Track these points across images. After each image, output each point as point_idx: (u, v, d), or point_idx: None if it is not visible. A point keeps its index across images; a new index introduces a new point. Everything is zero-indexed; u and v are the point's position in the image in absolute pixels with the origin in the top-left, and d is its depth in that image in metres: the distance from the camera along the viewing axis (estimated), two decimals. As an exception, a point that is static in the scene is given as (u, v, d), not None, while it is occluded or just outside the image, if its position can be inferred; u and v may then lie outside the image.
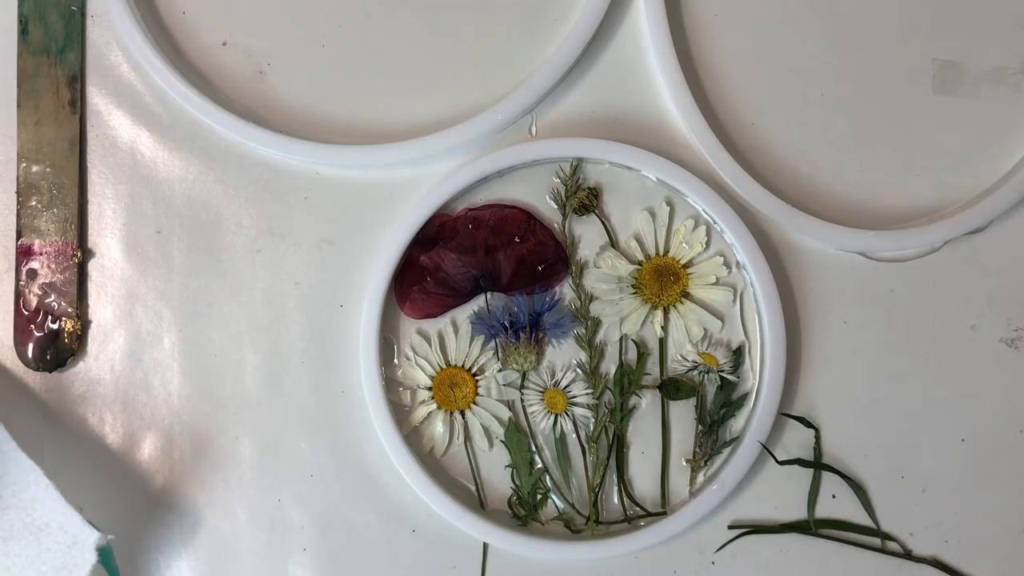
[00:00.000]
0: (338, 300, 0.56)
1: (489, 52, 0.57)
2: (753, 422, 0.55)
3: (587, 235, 0.56)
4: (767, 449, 0.55)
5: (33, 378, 0.56)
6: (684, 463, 0.56)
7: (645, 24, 0.56)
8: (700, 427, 0.56)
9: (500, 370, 0.56)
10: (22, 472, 0.51)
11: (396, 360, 0.56)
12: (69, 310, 0.56)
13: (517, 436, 0.56)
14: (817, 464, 0.56)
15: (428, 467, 0.55)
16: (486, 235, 0.55)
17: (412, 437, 0.56)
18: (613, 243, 0.56)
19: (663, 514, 0.56)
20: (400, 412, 0.56)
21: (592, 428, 0.55)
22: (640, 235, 0.56)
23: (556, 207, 0.56)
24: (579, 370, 0.56)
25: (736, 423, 0.56)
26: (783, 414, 0.56)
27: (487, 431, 0.56)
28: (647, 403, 0.56)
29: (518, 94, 0.55)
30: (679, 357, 0.56)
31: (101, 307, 0.56)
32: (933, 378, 0.57)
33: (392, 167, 0.56)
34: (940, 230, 0.56)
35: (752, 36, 0.57)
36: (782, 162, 0.57)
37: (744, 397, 0.56)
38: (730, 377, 0.55)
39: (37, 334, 0.56)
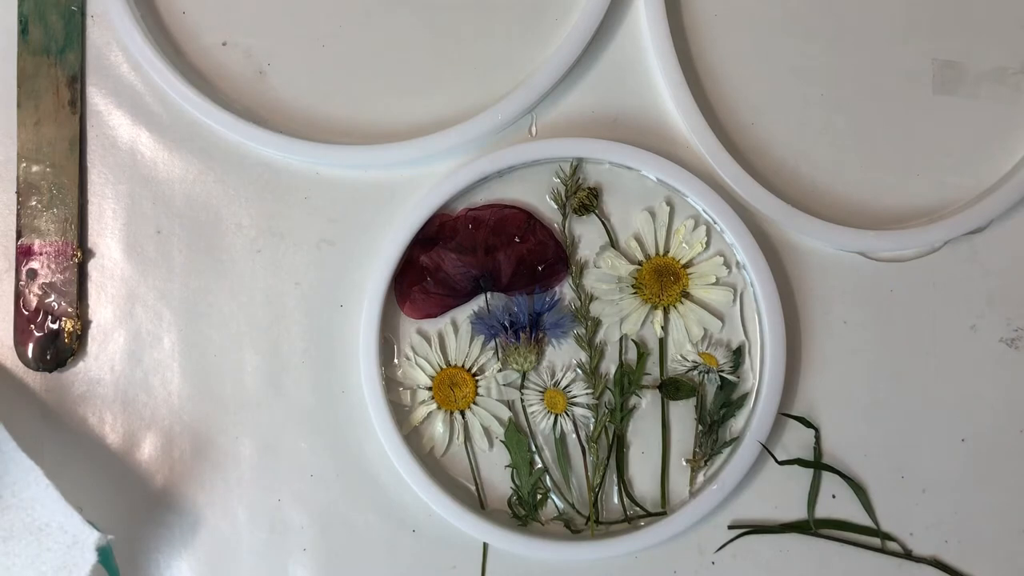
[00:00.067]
0: (338, 300, 0.56)
1: (489, 52, 0.57)
2: (753, 422, 0.55)
3: (587, 235, 0.56)
4: (767, 449, 0.55)
5: (33, 378, 0.56)
6: (684, 463, 0.56)
7: (645, 24, 0.56)
8: (700, 427, 0.56)
9: (500, 370, 0.56)
10: (22, 472, 0.51)
11: (396, 360, 0.56)
12: (69, 310, 0.56)
13: (517, 436, 0.56)
14: (817, 464, 0.56)
15: (428, 467, 0.55)
16: (486, 235, 0.55)
17: (412, 437, 0.56)
18: (613, 243, 0.56)
19: (663, 514, 0.56)
20: (400, 412, 0.56)
21: (592, 428, 0.55)
22: (640, 235, 0.56)
23: (556, 207, 0.56)
24: (579, 370, 0.56)
25: (736, 423, 0.56)
26: (783, 414, 0.56)
27: (487, 431, 0.56)
28: (647, 403, 0.56)
29: (518, 94, 0.55)
30: (679, 357, 0.56)
31: (101, 307, 0.56)
32: (933, 378, 0.57)
33: (392, 167, 0.56)
34: (940, 230, 0.56)
35: (752, 36, 0.57)
36: (782, 162, 0.57)
37: (744, 397, 0.56)
38: (730, 377, 0.55)
39: (37, 334, 0.56)
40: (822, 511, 0.57)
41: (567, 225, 0.56)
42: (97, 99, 0.57)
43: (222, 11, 0.57)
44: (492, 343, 0.56)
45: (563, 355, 0.56)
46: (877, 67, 0.57)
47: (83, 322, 0.56)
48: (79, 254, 0.56)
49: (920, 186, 0.57)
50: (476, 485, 0.56)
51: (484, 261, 0.55)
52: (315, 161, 0.56)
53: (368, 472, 0.56)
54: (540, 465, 0.56)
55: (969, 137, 0.57)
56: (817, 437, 0.56)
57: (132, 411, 0.56)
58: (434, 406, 0.56)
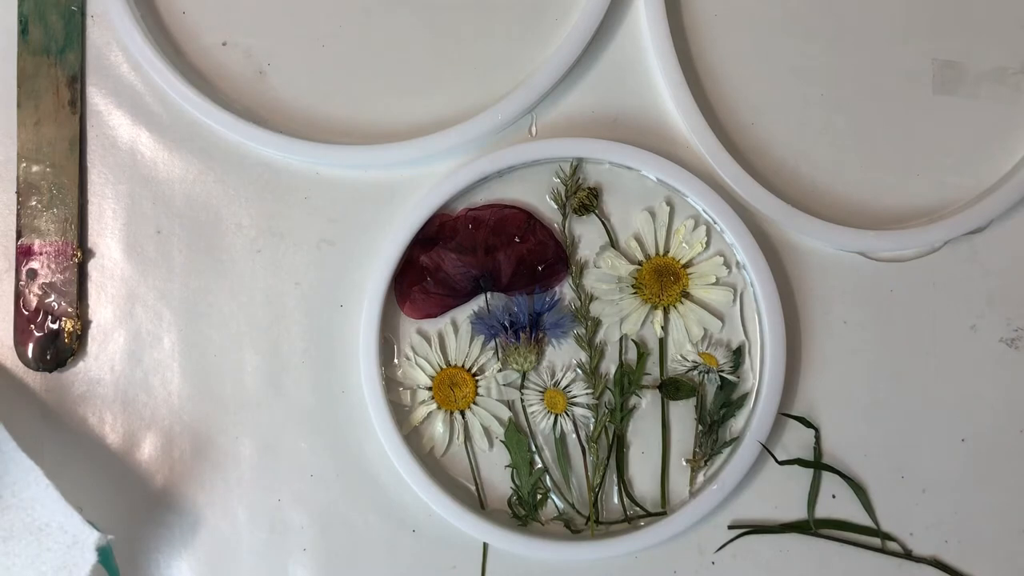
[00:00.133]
0: (338, 300, 0.56)
1: (489, 52, 0.57)
2: (753, 422, 0.55)
3: (587, 235, 0.56)
4: (767, 449, 0.55)
5: (33, 378, 0.56)
6: (684, 463, 0.56)
7: (645, 24, 0.56)
8: (700, 427, 0.56)
9: (500, 370, 0.56)
10: (22, 472, 0.51)
11: (396, 360, 0.56)
12: (69, 310, 0.56)
13: (517, 436, 0.56)
14: (817, 464, 0.56)
15: (428, 467, 0.55)
16: (486, 235, 0.55)
17: (412, 437, 0.56)
18: (613, 243, 0.56)
19: (663, 514, 0.56)
20: (400, 412, 0.56)
21: (592, 428, 0.55)
22: (640, 235, 0.56)
23: (556, 207, 0.56)
24: (579, 370, 0.56)
25: (736, 423, 0.56)
26: (783, 414, 0.56)
27: (487, 431, 0.56)
28: (647, 403, 0.56)
29: (518, 94, 0.55)
30: (679, 357, 0.56)
31: (101, 307, 0.56)
32: (933, 378, 0.57)
33: (392, 167, 0.56)
34: (940, 230, 0.56)
35: (752, 36, 0.57)
36: (782, 162, 0.57)
37: (744, 397, 0.56)
38: (730, 377, 0.55)
39: (37, 334, 0.56)
40: (822, 511, 0.57)
41: (567, 225, 0.56)
42: (97, 99, 0.57)
43: (222, 11, 0.57)
44: (492, 343, 0.56)
45: (563, 355, 0.56)
46: (877, 67, 0.57)
47: (83, 322, 0.56)
48: (79, 254, 0.56)
49: (920, 186, 0.57)
50: (476, 485, 0.56)
51: (484, 261, 0.55)
52: (315, 161, 0.56)
53: (368, 472, 0.56)
54: (540, 465, 0.56)
55: (969, 137, 0.57)
56: (817, 437, 0.56)
57: (132, 411, 0.56)
58: (434, 406, 0.56)
